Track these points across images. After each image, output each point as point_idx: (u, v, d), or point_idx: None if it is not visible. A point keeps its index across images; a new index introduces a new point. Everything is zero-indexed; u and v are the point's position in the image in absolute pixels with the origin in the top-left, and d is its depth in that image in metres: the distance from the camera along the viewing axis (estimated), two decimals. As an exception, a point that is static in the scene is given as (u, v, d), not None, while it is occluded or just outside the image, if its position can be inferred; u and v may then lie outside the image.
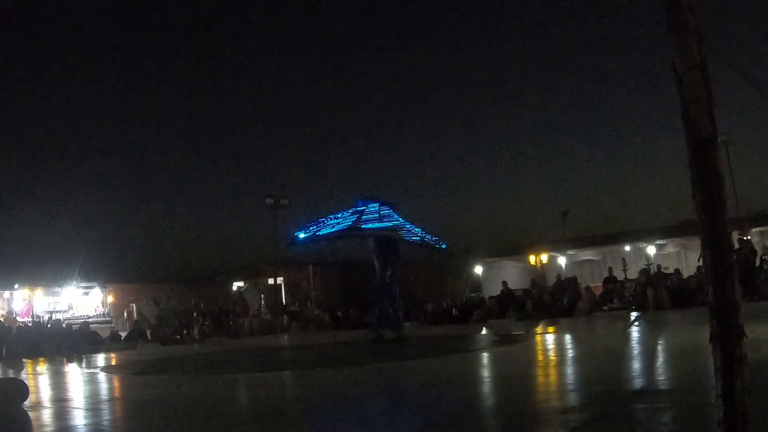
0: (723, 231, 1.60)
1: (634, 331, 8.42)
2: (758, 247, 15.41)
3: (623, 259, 17.87)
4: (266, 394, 4.87)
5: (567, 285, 15.94)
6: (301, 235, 9.44)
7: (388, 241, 8.98)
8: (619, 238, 21.29)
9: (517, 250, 23.36)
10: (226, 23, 37.31)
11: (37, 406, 4.66)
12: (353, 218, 9.15)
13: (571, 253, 22.17)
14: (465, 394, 3.91)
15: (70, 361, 10.90)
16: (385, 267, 8.86)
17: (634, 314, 11.95)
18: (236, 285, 24.20)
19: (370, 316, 8.95)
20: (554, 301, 15.35)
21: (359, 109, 40.50)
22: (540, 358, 6.41)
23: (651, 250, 20.15)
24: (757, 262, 14.28)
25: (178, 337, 16.23)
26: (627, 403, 3.03)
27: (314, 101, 37.03)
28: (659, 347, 6.33)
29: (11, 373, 8.51)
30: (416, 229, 9.79)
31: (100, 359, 11.12)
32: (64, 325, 17.06)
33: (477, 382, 4.77)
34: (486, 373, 5.43)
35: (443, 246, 10.27)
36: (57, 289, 21.30)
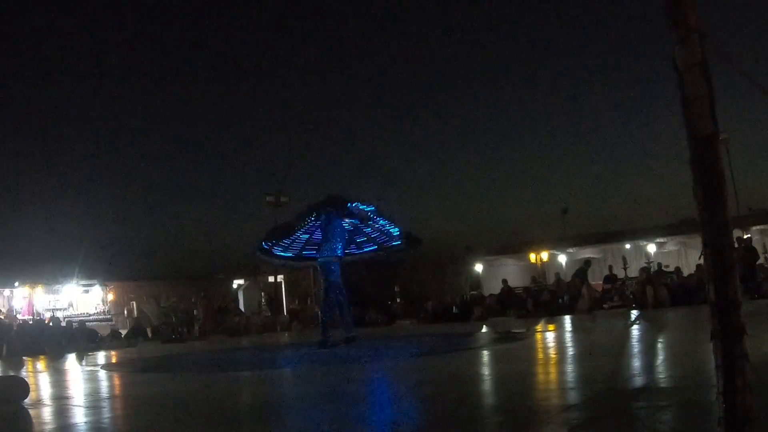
0: (724, 229, 1.60)
1: (635, 329, 8.42)
2: (758, 246, 15.43)
3: (623, 257, 17.88)
4: (267, 392, 4.87)
5: (566, 283, 15.98)
6: (266, 247, 9.52)
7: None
8: (619, 236, 21.31)
9: (517, 248, 23.37)
10: (226, 22, 37.30)
11: (38, 403, 4.66)
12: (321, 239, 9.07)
13: (571, 251, 22.20)
14: (465, 391, 3.92)
15: (70, 358, 10.91)
16: (330, 275, 8.83)
17: (634, 312, 11.96)
18: (236, 283, 24.22)
19: (321, 321, 8.99)
20: (554, 299, 15.38)
21: (359, 106, 40.49)
22: (540, 356, 6.41)
23: (651, 248, 20.17)
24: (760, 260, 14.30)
25: (175, 336, 16.25)
26: (628, 401, 3.03)
27: (315, 97, 37.02)
28: (660, 345, 6.33)
29: (12, 371, 8.52)
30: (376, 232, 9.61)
31: (101, 357, 11.13)
32: (63, 323, 17.08)
33: (477, 379, 4.77)
34: (486, 370, 5.43)
35: (398, 243, 9.54)
36: (57, 287, 21.32)
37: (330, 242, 8.75)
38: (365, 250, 9.83)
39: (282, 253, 9.80)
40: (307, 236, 9.70)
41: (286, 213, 17.56)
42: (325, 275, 8.73)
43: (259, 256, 9.90)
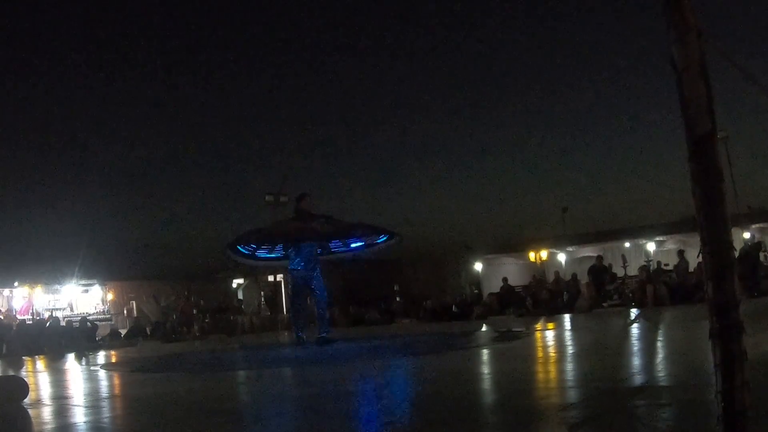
0: (722, 227, 1.59)
1: (634, 328, 8.42)
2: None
3: (623, 256, 17.89)
4: (267, 391, 4.87)
5: (566, 281, 16.02)
6: (241, 250, 9.63)
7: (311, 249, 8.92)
8: (618, 234, 21.33)
9: (516, 246, 23.38)
10: (228, 21, 37.27)
11: (37, 403, 4.65)
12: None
13: (570, 249, 22.20)
14: (464, 390, 3.91)
15: (69, 358, 10.91)
16: (309, 271, 8.86)
17: (634, 311, 11.97)
18: (236, 282, 24.21)
19: (294, 320, 9.16)
20: (554, 297, 15.39)
21: (359, 106, 40.47)
22: (539, 354, 6.41)
23: (651, 246, 20.17)
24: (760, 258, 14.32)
25: (175, 335, 16.26)
26: (626, 399, 3.03)
27: (316, 98, 37.00)
28: (659, 344, 6.33)
29: (11, 371, 8.52)
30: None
31: (101, 356, 11.13)
32: (63, 323, 17.09)
33: (476, 378, 4.77)
34: (485, 369, 5.43)
35: (384, 239, 9.64)
36: (57, 286, 21.31)
37: (306, 253, 8.80)
38: (351, 247, 9.81)
39: (263, 254, 9.91)
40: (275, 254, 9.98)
41: (286, 212, 17.58)
42: (305, 281, 8.83)
43: (229, 255, 9.87)
